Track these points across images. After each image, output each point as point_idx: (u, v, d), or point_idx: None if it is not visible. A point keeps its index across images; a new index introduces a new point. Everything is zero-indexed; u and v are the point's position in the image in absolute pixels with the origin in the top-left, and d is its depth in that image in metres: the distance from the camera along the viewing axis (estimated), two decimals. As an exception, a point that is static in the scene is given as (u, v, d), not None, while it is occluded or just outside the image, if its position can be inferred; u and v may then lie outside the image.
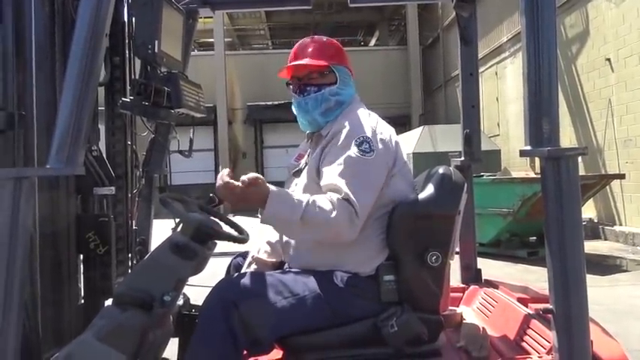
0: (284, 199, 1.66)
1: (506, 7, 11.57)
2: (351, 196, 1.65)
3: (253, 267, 1.96)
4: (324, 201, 1.65)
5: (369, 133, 1.76)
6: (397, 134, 1.93)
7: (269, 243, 1.99)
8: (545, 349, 1.73)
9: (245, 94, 18.22)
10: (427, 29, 18.42)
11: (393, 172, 1.80)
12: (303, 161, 1.94)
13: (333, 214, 1.63)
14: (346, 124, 1.80)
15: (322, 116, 1.88)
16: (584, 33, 9.09)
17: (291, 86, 1.96)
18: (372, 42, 24.04)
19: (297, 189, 1.86)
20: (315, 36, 2.00)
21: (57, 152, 1.42)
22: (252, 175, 1.63)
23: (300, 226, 1.64)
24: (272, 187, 1.66)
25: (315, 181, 1.79)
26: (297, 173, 1.92)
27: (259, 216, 1.68)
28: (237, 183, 1.62)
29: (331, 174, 1.71)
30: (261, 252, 1.99)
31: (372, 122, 1.83)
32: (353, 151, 1.72)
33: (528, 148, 1.51)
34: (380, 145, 1.76)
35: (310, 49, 1.92)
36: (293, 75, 1.94)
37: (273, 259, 1.97)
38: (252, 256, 1.99)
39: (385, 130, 1.84)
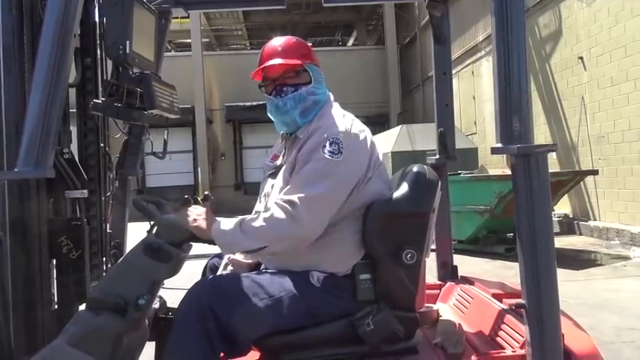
0: (221, 221, 1.74)
1: (482, 6, 11.71)
2: (289, 193, 1.68)
3: (229, 268, 1.95)
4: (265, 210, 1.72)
5: (339, 135, 1.75)
6: (375, 133, 1.94)
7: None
8: (518, 343, 1.75)
9: (223, 94, 18.10)
10: (404, 29, 18.55)
11: (369, 175, 1.79)
12: (278, 162, 1.93)
13: (269, 213, 1.69)
14: (320, 126, 1.80)
15: (301, 117, 1.86)
16: (557, 32, 9.26)
17: (264, 88, 1.93)
18: (350, 42, 24.11)
19: (273, 191, 1.86)
20: (283, 36, 1.97)
21: (25, 155, 1.39)
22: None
23: (240, 234, 1.68)
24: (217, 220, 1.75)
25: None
26: (274, 175, 1.91)
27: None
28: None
29: (293, 178, 1.74)
30: (237, 253, 1.98)
31: (346, 123, 1.81)
32: (320, 153, 1.72)
33: (499, 145, 1.53)
34: (351, 147, 1.75)
35: (282, 49, 1.89)
36: (266, 76, 1.91)
37: (249, 260, 1.96)
38: (229, 258, 1.98)
39: (360, 133, 1.82)
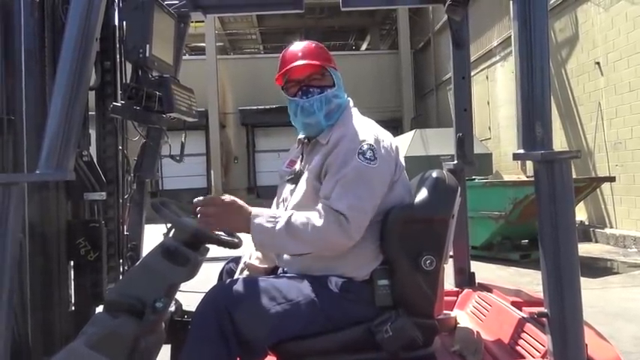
0: (263, 212, 1.73)
1: (496, 11, 11.65)
2: (340, 203, 1.65)
3: (246, 273, 1.94)
4: (312, 212, 1.68)
5: (372, 141, 1.75)
6: (389, 138, 1.92)
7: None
8: (539, 352, 1.72)
9: (237, 98, 18.20)
10: (418, 33, 18.51)
11: (395, 179, 1.79)
12: (297, 167, 1.92)
13: (320, 222, 1.65)
14: (347, 132, 1.79)
15: (325, 119, 1.86)
16: (573, 37, 9.17)
17: (285, 91, 1.91)
18: (364, 46, 24.10)
19: (294, 196, 1.84)
20: (304, 41, 1.98)
21: (47, 158, 1.39)
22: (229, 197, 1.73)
23: (287, 238, 1.66)
24: (252, 209, 1.73)
25: (315, 189, 1.77)
26: (292, 180, 1.89)
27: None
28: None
29: (331, 183, 1.71)
30: (253, 258, 1.97)
31: (373, 130, 1.82)
32: (357, 160, 1.71)
33: (522, 151, 1.51)
34: (383, 153, 1.76)
35: (305, 52, 1.89)
36: (290, 78, 1.90)
37: (265, 266, 1.95)
38: (245, 262, 1.97)
39: (386, 138, 1.83)
